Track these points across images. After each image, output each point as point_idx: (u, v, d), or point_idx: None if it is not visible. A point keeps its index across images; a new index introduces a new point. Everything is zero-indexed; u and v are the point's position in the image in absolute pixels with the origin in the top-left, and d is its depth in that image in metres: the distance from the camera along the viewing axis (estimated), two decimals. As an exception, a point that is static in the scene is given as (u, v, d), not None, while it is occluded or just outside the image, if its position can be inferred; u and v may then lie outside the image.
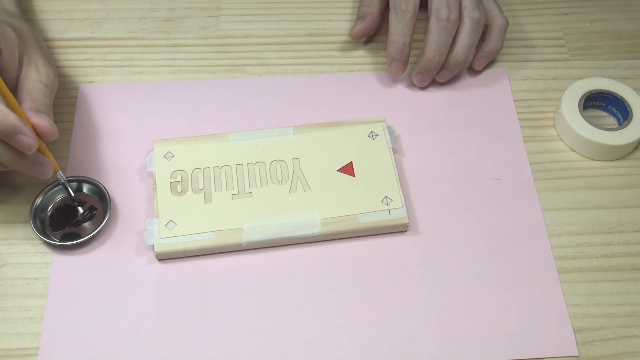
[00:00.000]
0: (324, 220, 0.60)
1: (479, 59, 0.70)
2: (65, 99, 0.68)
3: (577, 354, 0.57)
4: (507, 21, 0.70)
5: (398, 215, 0.61)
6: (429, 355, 0.56)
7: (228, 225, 0.60)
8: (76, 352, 0.56)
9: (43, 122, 0.55)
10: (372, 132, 0.64)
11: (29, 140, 0.54)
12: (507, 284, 0.59)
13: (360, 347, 0.57)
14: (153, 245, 0.59)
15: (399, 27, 0.66)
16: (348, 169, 0.63)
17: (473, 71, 0.71)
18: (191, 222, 0.60)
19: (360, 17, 0.70)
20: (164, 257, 0.59)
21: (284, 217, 0.60)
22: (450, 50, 0.67)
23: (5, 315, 0.57)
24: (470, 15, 0.66)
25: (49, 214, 0.61)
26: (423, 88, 0.69)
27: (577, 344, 0.57)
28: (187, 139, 0.64)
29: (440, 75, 0.68)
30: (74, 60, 0.70)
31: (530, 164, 0.66)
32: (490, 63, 0.72)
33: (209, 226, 0.60)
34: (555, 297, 0.59)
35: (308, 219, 0.60)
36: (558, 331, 0.57)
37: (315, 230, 0.60)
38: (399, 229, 0.61)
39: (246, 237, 0.59)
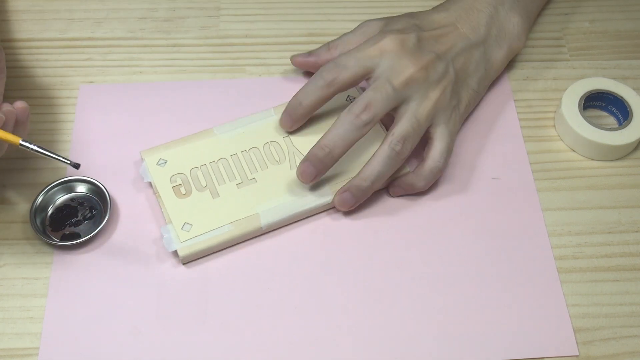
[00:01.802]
0: (332, 187, 0.61)
1: (394, 187, 0.62)
2: (65, 99, 0.68)
3: (577, 354, 0.57)
4: (443, 166, 0.61)
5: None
6: (429, 355, 0.56)
7: (243, 213, 0.60)
8: (76, 352, 0.56)
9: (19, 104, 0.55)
10: None
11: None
12: (507, 284, 0.59)
13: (360, 347, 0.57)
14: (176, 251, 0.59)
15: (340, 130, 0.59)
16: None
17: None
18: (206, 219, 0.60)
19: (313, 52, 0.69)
20: (189, 260, 0.59)
21: (294, 193, 0.61)
22: (359, 173, 0.60)
23: (5, 315, 0.57)
24: (391, 144, 0.59)
25: (49, 213, 0.61)
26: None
27: (577, 343, 0.57)
28: (174, 142, 0.64)
29: (341, 197, 0.60)
30: (74, 60, 0.70)
31: (530, 164, 0.66)
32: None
33: (224, 219, 0.60)
34: (556, 297, 0.59)
35: (317, 189, 0.61)
36: (558, 331, 0.57)
37: (328, 197, 0.61)
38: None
39: (265, 220, 0.60)
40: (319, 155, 0.59)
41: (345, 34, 0.68)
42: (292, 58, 0.69)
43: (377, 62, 0.61)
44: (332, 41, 0.68)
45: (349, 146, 0.59)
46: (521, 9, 0.68)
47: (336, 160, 0.60)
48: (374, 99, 0.59)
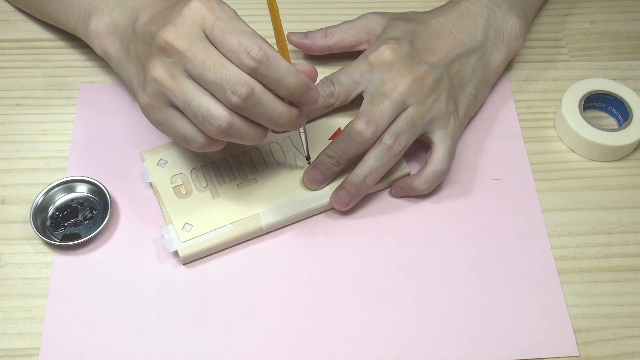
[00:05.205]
0: (332, 187, 0.62)
1: (397, 188, 0.63)
2: (65, 99, 0.68)
3: (578, 354, 0.57)
4: (446, 170, 0.61)
5: (400, 166, 0.63)
6: (429, 355, 0.56)
7: (244, 214, 0.60)
8: (77, 352, 0.56)
9: (307, 67, 0.54)
10: None
11: (317, 93, 0.54)
12: (507, 284, 0.60)
13: (360, 347, 0.57)
14: (177, 251, 0.59)
15: (344, 145, 0.60)
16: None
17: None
18: (207, 219, 0.60)
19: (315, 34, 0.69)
20: (190, 260, 0.59)
21: (294, 194, 0.61)
22: (353, 170, 0.61)
23: (5, 316, 0.57)
24: (383, 139, 0.60)
25: (49, 214, 0.61)
26: None
27: (577, 344, 0.57)
28: (174, 143, 0.63)
29: (336, 195, 0.61)
30: (74, 60, 0.70)
31: (531, 164, 0.66)
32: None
33: (225, 219, 0.60)
34: (556, 298, 0.59)
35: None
36: (558, 331, 0.58)
37: (327, 198, 0.61)
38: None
39: (265, 221, 0.60)
40: (325, 164, 0.61)
41: (344, 22, 0.69)
42: (289, 35, 0.69)
43: (368, 77, 0.62)
44: (330, 27, 0.69)
45: (353, 159, 0.61)
46: (519, 10, 0.68)
47: (339, 172, 0.61)
48: (373, 113, 0.60)
